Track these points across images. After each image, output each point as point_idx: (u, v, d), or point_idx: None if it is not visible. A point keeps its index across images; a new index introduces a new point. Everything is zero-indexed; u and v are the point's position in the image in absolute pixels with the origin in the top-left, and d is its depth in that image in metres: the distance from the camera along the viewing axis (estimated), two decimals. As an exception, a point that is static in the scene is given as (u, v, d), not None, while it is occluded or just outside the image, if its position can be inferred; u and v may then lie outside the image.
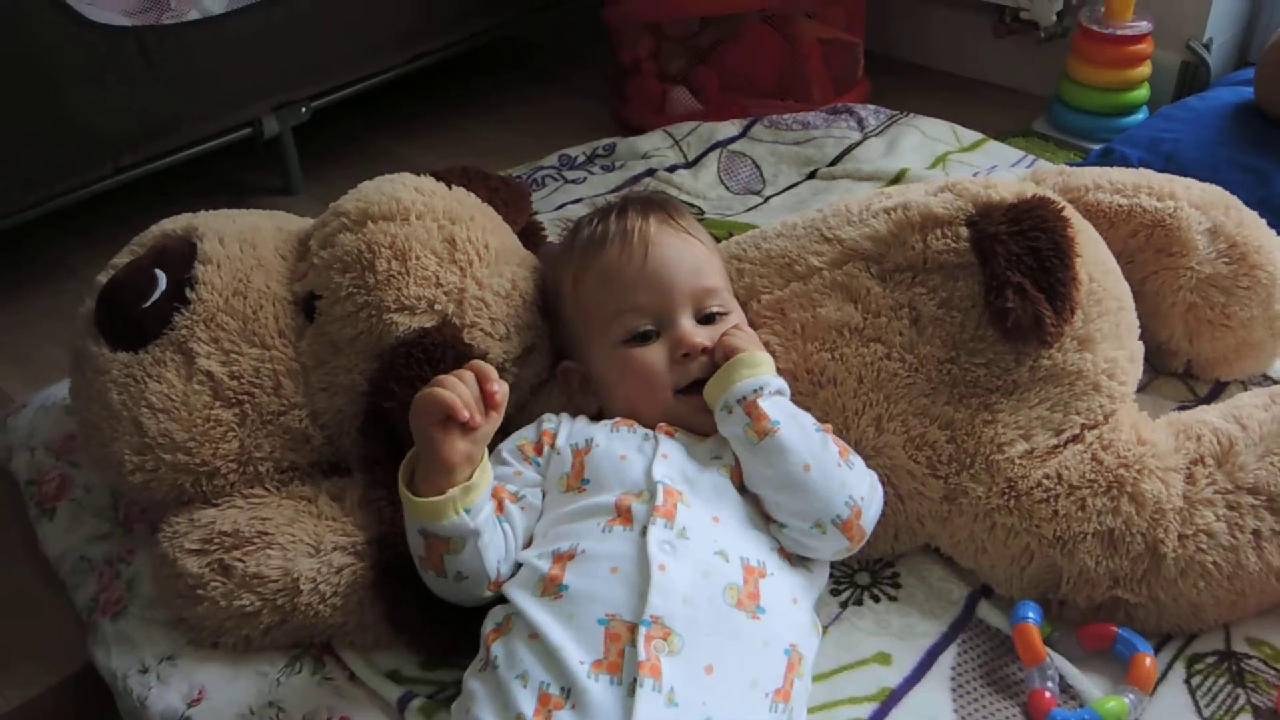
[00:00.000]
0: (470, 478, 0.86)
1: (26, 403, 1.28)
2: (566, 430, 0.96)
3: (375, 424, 0.97)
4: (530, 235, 1.18)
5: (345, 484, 1.02)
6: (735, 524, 0.90)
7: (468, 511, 0.85)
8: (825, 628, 0.96)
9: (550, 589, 0.83)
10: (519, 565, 0.88)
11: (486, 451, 0.88)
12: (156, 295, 1.02)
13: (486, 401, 0.86)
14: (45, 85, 1.52)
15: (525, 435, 0.97)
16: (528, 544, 0.90)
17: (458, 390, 0.85)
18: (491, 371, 0.87)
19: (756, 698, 0.80)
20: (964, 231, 1.02)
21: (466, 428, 0.84)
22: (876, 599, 1.00)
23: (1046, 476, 0.96)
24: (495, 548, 0.88)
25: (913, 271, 1.03)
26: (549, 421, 0.97)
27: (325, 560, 0.94)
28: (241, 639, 0.95)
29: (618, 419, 0.96)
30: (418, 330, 0.98)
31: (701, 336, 0.96)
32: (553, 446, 0.95)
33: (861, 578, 1.01)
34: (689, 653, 0.79)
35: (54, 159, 1.59)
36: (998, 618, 0.96)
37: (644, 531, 0.84)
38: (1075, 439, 0.99)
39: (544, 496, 0.93)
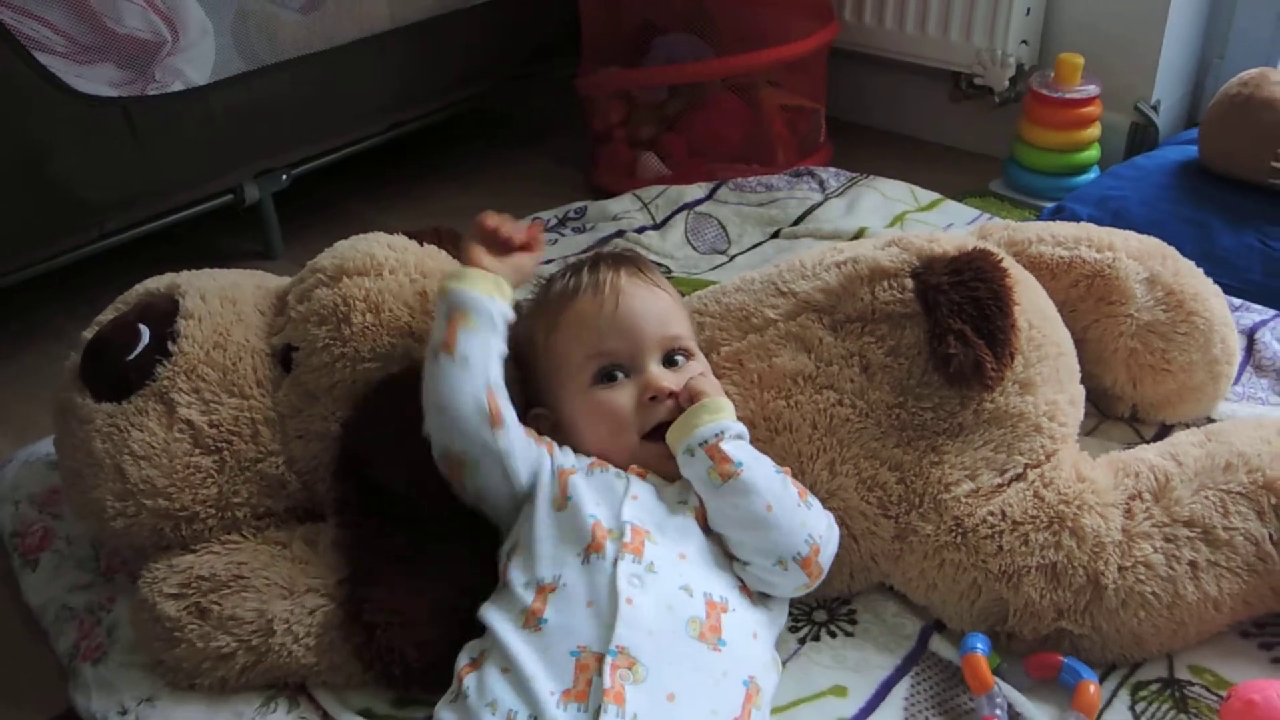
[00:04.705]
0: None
1: (11, 458, 1.30)
2: (558, 450, 1.00)
3: (348, 468, 1.01)
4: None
5: (319, 529, 1.05)
6: (700, 561, 0.93)
7: (491, 297, 0.99)
8: (784, 663, 0.99)
9: (531, 622, 0.87)
10: (503, 586, 0.92)
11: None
12: (140, 348, 1.05)
13: (526, 245, 1.06)
14: (33, 153, 1.55)
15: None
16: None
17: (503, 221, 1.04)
18: (539, 229, 1.08)
19: None
20: (909, 283, 1.08)
21: (503, 247, 1.04)
22: (833, 635, 1.03)
23: (991, 514, 1.00)
24: (498, 360, 0.99)
25: (862, 321, 1.08)
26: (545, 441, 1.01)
27: (298, 602, 0.97)
28: (218, 680, 0.97)
29: (594, 460, 1.00)
30: (389, 376, 1.02)
31: (668, 381, 1.00)
32: (551, 455, 0.99)
33: (819, 615, 1.05)
34: (652, 681, 0.83)
35: (41, 224, 1.62)
36: (949, 651, 1.00)
37: (614, 565, 0.88)
38: (1018, 478, 1.03)
39: (538, 497, 0.96)
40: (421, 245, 1.13)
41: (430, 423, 0.97)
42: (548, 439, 1.01)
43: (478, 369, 0.96)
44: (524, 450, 0.97)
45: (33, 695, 1.09)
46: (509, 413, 0.97)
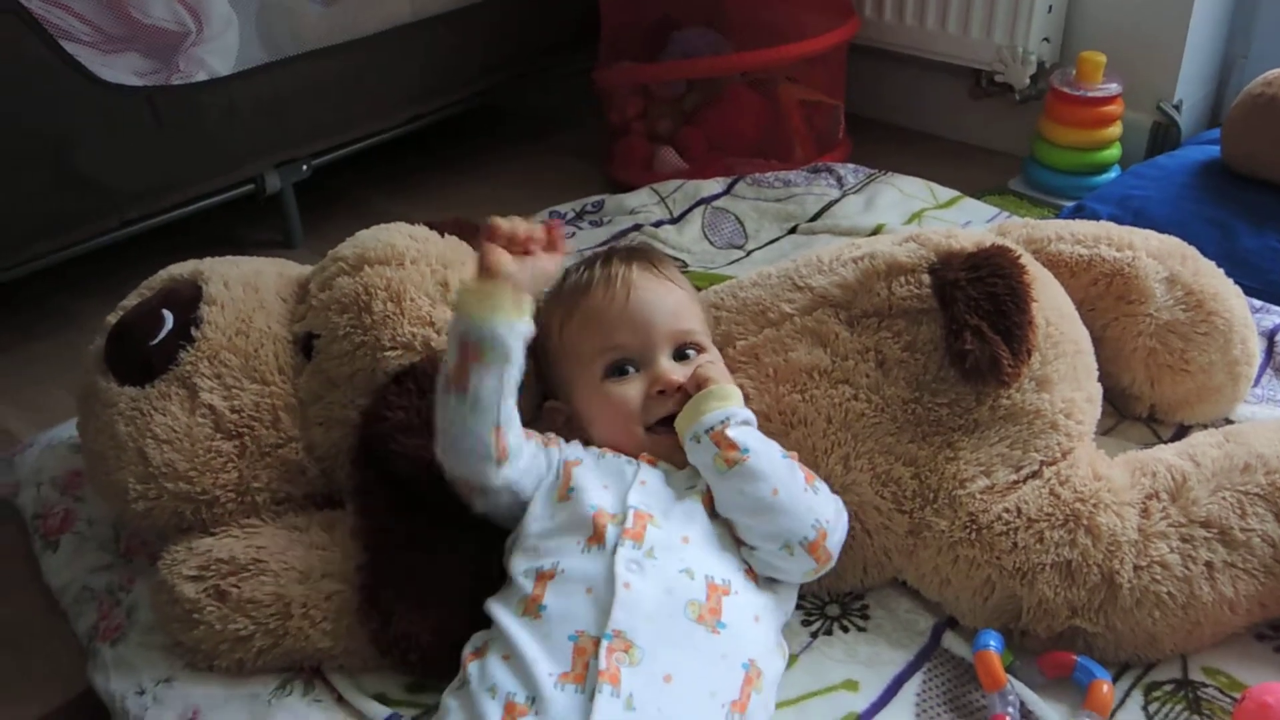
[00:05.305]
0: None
1: (33, 441, 1.32)
2: (565, 445, 1.01)
3: (367, 455, 1.01)
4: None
5: (337, 515, 1.06)
6: (704, 545, 0.94)
7: (510, 323, 0.91)
8: (796, 656, 0.99)
9: (531, 609, 0.88)
10: (507, 580, 0.92)
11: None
12: (163, 334, 1.07)
13: (549, 245, 0.97)
14: (59, 141, 1.57)
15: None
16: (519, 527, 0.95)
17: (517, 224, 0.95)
18: (559, 226, 0.98)
19: (714, 707, 0.85)
20: (926, 278, 1.07)
21: (524, 248, 0.94)
22: (846, 629, 1.03)
23: (1006, 510, 1.00)
24: (513, 390, 0.92)
25: (879, 317, 1.08)
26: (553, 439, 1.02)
27: (316, 586, 0.98)
28: (235, 662, 0.98)
29: (605, 448, 1.01)
30: (409, 364, 1.02)
31: (677, 374, 1.01)
32: (560, 450, 1.00)
33: (832, 609, 1.05)
34: (648, 663, 0.84)
35: (64, 211, 1.64)
36: (962, 647, 1.00)
37: (614, 551, 0.89)
38: (1034, 475, 1.03)
39: (538, 492, 0.97)
40: (443, 236, 1.13)
41: (439, 449, 0.95)
42: (556, 436, 1.02)
43: (488, 410, 0.91)
44: (530, 470, 0.96)
45: (52, 675, 1.10)
46: (516, 440, 0.94)
